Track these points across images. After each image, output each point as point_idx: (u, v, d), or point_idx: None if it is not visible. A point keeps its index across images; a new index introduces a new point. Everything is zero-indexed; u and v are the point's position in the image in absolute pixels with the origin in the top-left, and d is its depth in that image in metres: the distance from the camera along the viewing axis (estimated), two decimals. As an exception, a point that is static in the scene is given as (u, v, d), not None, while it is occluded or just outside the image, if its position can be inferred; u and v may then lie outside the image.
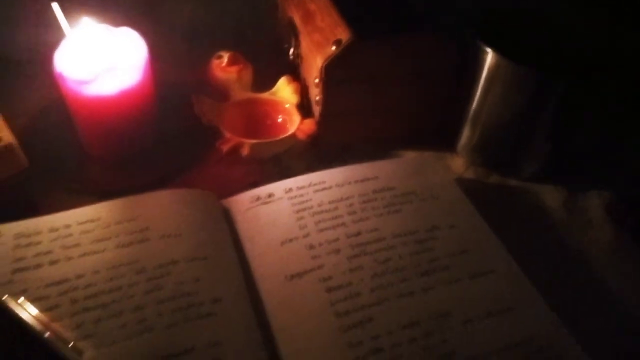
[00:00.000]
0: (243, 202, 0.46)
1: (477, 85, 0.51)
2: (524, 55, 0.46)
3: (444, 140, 0.56)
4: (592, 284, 0.44)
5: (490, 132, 0.53)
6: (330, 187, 0.47)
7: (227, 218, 0.45)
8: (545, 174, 0.53)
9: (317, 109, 0.53)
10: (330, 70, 0.49)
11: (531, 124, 0.50)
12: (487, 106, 0.51)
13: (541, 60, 0.47)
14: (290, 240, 0.43)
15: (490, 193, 0.52)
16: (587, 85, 0.46)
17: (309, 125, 0.53)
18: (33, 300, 0.37)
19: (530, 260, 0.43)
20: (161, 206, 0.43)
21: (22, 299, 0.36)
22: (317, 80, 0.51)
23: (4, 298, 0.36)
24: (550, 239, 0.48)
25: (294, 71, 0.58)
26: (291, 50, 0.58)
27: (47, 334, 0.34)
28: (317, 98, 0.52)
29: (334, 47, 0.49)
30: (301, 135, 0.52)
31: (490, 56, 0.48)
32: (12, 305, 0.36)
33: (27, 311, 0.36)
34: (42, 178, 0.48)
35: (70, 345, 0.34)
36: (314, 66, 0.51)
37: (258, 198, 0.46)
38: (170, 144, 0.53)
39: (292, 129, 0.53)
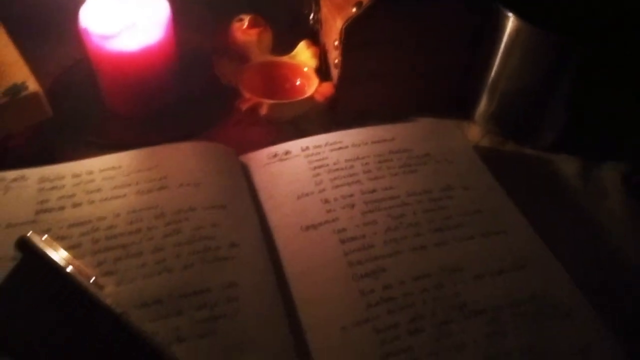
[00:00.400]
0: (260, 158, 0.47)
1: (496, 52, 0.51)
2: (544, 21, 0.46)
3: (461, 108, 0.56)
4: (605, 252, 0.44)
5: (508, 100, 0.53)
6: (346, 147, 0.48)
7: (245, 173, 0.46)
8: (562, 144, 0.53)
9: (335, 72, 0.53)
10: (350, 32, 0.50)
11: (550, 92, 0.50)
12: (506, 73, 0.51)
13: (561, 25, 0.47)
14: (306, 194, 0.43)
15: (506, 161, 0.52)
16: (609, 51, 0.46)
17: (327, 87, 0.53)
18: (56, 239, 0.38)
19: (544, 225, 0.43)
20: (181, 157, 0.44)
21: (45, 236, 0.38)
22: (336, 43, 0.51)
23: (28, 234, 0.37)
24: (565, 207, 0.48)
25: (314, 36, 0.58)
26: (311, 16, 0.58)
27: (69, 269, 0.35)
28: (336, 61, 0.52)
29: (354, 9, 0.49)
30: (319, 98, 0.52)
31: (511, 21, 0.48)
32: (36, 241, 0.37)
33: (50, 247, 0.37)
34: (63, 131, 0.50)
35: (92, 281, 0.35)
36: (333, 29, 0.52)
37: (275, 155, 0.47)
38: (191, 103, 0.54)
39: (310, 91, 0.53)
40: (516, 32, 0.48)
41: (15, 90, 0.44)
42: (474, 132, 0.55)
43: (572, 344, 0.36)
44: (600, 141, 0.53)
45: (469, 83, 0.55)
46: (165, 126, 0.52)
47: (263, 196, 0.44)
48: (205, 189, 0.42)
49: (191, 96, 0.54)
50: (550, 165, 0.52)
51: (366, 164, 0.46)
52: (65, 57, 0.57)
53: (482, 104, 0.55)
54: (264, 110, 0.51)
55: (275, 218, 0.42)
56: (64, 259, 0.36)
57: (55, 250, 0.37)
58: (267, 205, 0.43)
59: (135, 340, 0.33)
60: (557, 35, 0.46)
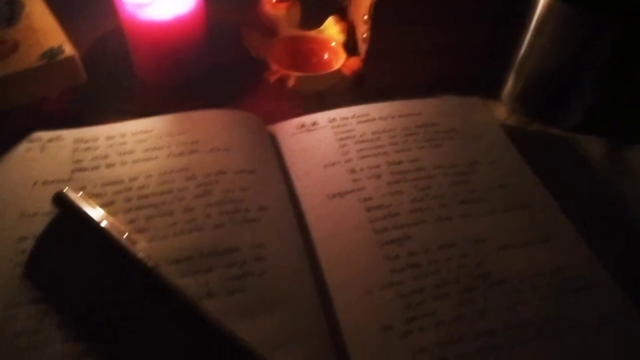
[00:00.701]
0: (288, 128, 0.48)
1: (526, 30, 0.51)
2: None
3: (488, 87, 0.56)
4: (630, 232, 0.44)
5: (535, 79, 0.53)
6: (373, 120, 0.48)
7: (272, 142, 0.47)
8: (590, 125, 0.53)
9: (363, 47, 0.54)
10: (380, 7, 0.50)
11: (580, 71, 0.50)
12: (535, 52, 0.51)
13: (593, 1, 0.47)
14: (333, 164, 0.44)
15: (532, 140, 0.52)
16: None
17: (355, 62, 0.54)
18: (90, 197, 0.39)
19: (569, 202, 0.43)
20: (211, 123, 0.45)
21: (80, 193, 0.39)
22: (365, 17, 0.52)
23: (65, 190, 0.38)
24: (591, 186, 0.48)
25: (342, 12, 0.59)
26: (340, -9, 0.59)
27: (103, 224, 0.37)
28: (365, 36, 0.53)
29: (385, -17, 0.49)
30: (346, 71, 0.53)
31: (542, -2, 0.47)
32: (72, 197, 0.38)
33: (85, 203, 0.38)
34: (94, 97, 0.51)
35: (125, 237, 0.36)
36: (363, 3, 0.52)
37: (302, 125, 0.48)
38: (219, 74, 0.54)
39: (337, 66, 0.54)
40: (548, 9, 0.48)
41: (52, 53, 0.45)
42: (500, 111, 0.55)
43: (592, 315, 0.36)
44: (628, 123, 0.53)
45: (496, 62, 0.55)
46: (193, 96, 0.53)
47: (290, 164, 0.45)
48: (235, 154, 0.43)
49: (220, 67, 0.55)
50: (577, 146, 0.52)
51: (393, 136, 0.46)
52: (98, 27, 0.58)
53: (509, 83, 0.55)
54: (291, 83, 0.52)
55: (301, 186, 0.43)
56: (98, 214, 0.37)
57: (90, 206, 0.38)
58: (294, 174, 0.44)
59: (167, 294, 0.34)
60: (591, 11, 0.45)
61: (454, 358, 0.33)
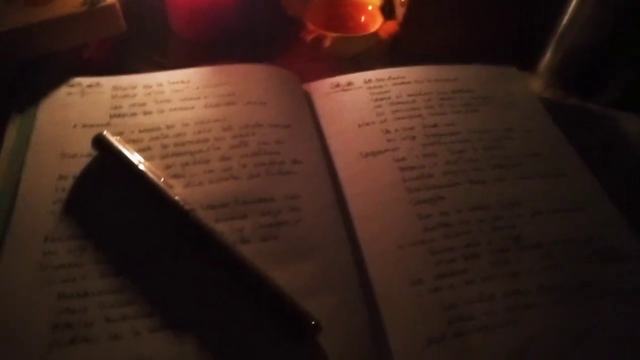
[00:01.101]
0: (323, 88, 0.47)
1: (568, 1, 0.49)
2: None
3: (526, 58, 0.55)
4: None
5: (575, 52, 0.52)
6: (409, 82, 0.48)
7: (307, 101, 0.46)
8: (627, 101, 0.52)
9: (400, 11, 0.53)
10: (421, -30, 0.49)
11: (622, 46, 0.49)
12: (577, 24, 0.50)
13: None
14: (367, 124, 0.44)
15: (567, 113, 0.51)
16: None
17: (391, 26, 0.53)
18: (127, 142, 0.39)
19: (604, 175, 0.43)
20: (248, 76, 0.45)
21: (118, 137, 0.39)
22: (405, -20, 0.51)
23: (104, 132, 0.39)
24: (626, 160, 0.47)
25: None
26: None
27: (141, 167, 0.37)
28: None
29: (427, -55, 0.48)
30: (383, 34, 0.52)
31: (590, -35, 0.46)
32: (111, 139, 0.38)
33: (123, 146, 0.38)
34: (130, 48, 0.51)
35: (161, 181, 0.37)
36: (404, -34, 0.51)
37: (338, 85, 0.47)
38: (256, 31, 0.54)
39: (373, 29, 0.53)
40: (594, -22, 0.47)
41: (94, 0, 0.45)
42: (536, 83, 0.54)
43: (624, 285, 0.36)
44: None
45: (535, 34, 0.54)
46: (228, 52, 0.53)
47: (324, 122, 0.45)
48: (271, 108, 0.43)
49: (256, 25, 0.55)
50: (613, 121, 0.51)
51: (428, 100, 0.46)
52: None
53: (547, 56, 0.54)
54: (327, 43, 0.51)
55: (335, 143, 0.43)
56: (136, 158, 0.38)
57: (128, 150, 0.38)
58: (328, 131, 0.44)
59: (203, 236, 0.34)
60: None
61: (484, 315, 0.33)
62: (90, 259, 0.33)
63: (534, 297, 0.34)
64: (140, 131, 0.41)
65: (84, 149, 0.39)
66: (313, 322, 0.30)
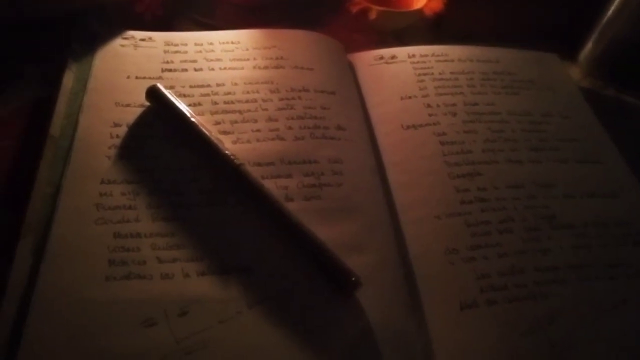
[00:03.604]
0: (367, 59, 0.48)
1: (617, -8, 0.50)
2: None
3: (567, 46, 0.55)
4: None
5: (617, 44, 0.52)
6: (452, 60, 0.48)
7: (351, 70, 0.47)
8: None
9: (447, -10, 0.53)
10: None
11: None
12: (624, 16, 0.50)
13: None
14: (409, 97, 0.45)
15: (605, 104, 0.52)
16: None
17: (437, 3, 0.54)
18: (179, 96, 0.41)
19: (636, 163, 0.43)
20: (296, 42, 0.46)
21: (170, 91, 0.41)
22: (456, -42, 0.51)
23: (157, 85, 0.40)
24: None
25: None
26: None
27: (193, 119, 0.38)
28: (452, -23, 0.52)
29: None
30: (428, 12, 0.53)
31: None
32: (164, 91, 0.40)
33: (175, 98, 0.40)
34: (179, 7, 0.52)
35: (212, 134, 0.38)
36: (455, -56, 0.51)
37: (381, 57, 0.48)
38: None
39: (419, 5, 0.54)
40: (647, -30, 0.47)
41: (150, -45, 0.46)
42: (575, 72, 0.55)
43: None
44: None
45: (579, 23, 0.54)
46: (273, 18, 0.53)
47: (367, 93, 0.46)
48: (317, 74, 0.44)
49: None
50: (650, 115, 0.51)
51: (470, 79, 0.47)
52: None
53: (589, 46, 0.54)
54: (372, 16, 0.52)
55: (377, 113, 0.44)
56: (187, 110, 0.39)
57: (180, 102, 0.40)
58: (370, 102, 0.45)
59: (252, 189, 0.36)
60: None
61: (514, 287, 0.34)
62: (143, 202, 0.35)
63: (563, 273, 0.35)
64: (191, 86, 0.42)
65: (137, 100, 0.40)
66: (354, 278, 0.32)
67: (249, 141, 0.39)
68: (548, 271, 0.35)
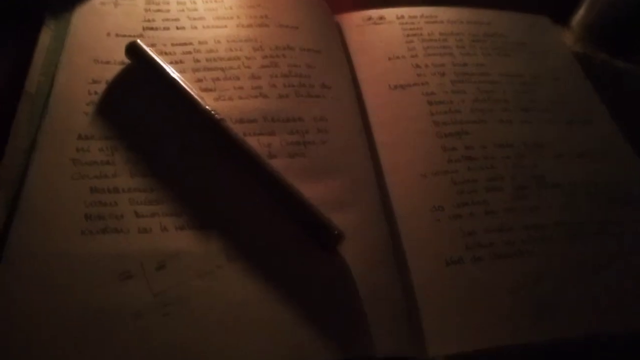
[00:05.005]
0: (354, 20, 0.47)
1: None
2: None
3: (559, 11, 0.54)
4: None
5: (610, 9, 0.51)
6: (441, 22, 0.47)
7: (338, 31, 0.46)
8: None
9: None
10: None
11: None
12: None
13: None
14: (397, 57, 0.44)
15: (596, 69, 0.51)
16: None
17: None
18: (160, 54, 0.40)
19: (628, 127, 0.43)
20: (281, 1, 0.45)
21: (151, 48, 0.39)
22: None
23: (137, 40, 0.39)
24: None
25: None
26: None
27: (173, 75, 0.37)
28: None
29: None
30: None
31: None
32: (145, 47, 0.39)
33: (156, 55, 0.38)
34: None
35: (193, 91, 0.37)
36: None
37: (370, 18, 0.47)
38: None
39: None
40: None
41: None
42: (567, 37, 0.54)
43: (640, 230, 0.36)
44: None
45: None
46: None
47: (354, 53, 0.45)
48: (302, 33, 0.43)
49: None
50: (641, 80, 0.51)
51: (460, 40, 0.46)
52: None
53: (582, 10, 0.53)
54: (361, -22, 0.51)
55: (364, 74, 0.43)
56: (168, 67, 0.38)
57: (161, 59, 0.38)
58: (357, 62, 0.44)
59: (232, 145, 0.35)
60: None
61: (502, 244, 0.34)
62: (121, 158, 0.34)
63: (552, 231, 0.35)
64: (172, 45, 0.41)
65: (117, 57, 0.39)
66: (336, 232, 0.31)
67: (231, 98, 0.38)
68: (536, 229, 0.35)
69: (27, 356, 0.27)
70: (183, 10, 0.43)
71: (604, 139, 0.41)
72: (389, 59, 0.44)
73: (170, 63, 0.39)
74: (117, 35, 0.41)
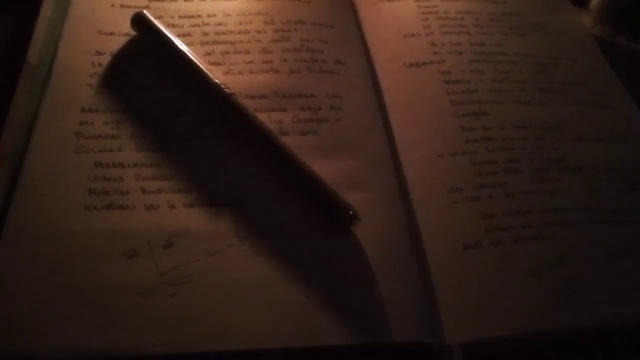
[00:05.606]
0: (368, -3, 0.46)
1: None
2: None
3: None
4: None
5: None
6: (458, 0, 0.46)
7: (352, 9, 0.45)
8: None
9: None
10: None
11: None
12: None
13: None
14: (413, 35, 0.42)
15: (615, 52, 0.50)
16: None
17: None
18: (167, 26, 0.38)
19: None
20: (294, -27, 0.43)
21: (158, 20, 0.38)
22: None
23: (144, 11, 0.37)
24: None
25: None
26: None
27: (181, 47, 0.36)
28: None
29: None
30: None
31: None
32: (151, 18, 0.37)
33: (163, 26, 0.37)
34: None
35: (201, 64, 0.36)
36: None
37: (384, -5, 0.45)
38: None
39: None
40: None
41: None
42: (585, 19, 0.52)
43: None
44: None
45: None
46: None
47: (368, 31, 0.43)
48: (315, 7, 0.41)
49: None
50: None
51: (477, 19, 0.44)
52: None
53: (600, -8, 0.52)
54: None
55: (378, 51, 0.41)
56: (175, 39, 0.36)
57: (167, 31, 0.37)
58: (371, 39, 0.42)
59: (242, 120, 0.33)
60: None
61: (520, 227, 0.33)
62: (127, 132, 0.33)
63: (572, 215, 0.34)
64: (180, 17, 0.39)
65: (122, 28, 0.38)
66: (351, 212, 0.30)
67: (240, 73, 0.37)
68: (556, 212, 0.33)
69: (28, 336, 0.25)
70: (191, -18, 0.42)
71: (625, 123, 0.40)
72: (404, 36, 0.42)
73: (178, 36, 0.38)
74: (122, 6, 0.39)
